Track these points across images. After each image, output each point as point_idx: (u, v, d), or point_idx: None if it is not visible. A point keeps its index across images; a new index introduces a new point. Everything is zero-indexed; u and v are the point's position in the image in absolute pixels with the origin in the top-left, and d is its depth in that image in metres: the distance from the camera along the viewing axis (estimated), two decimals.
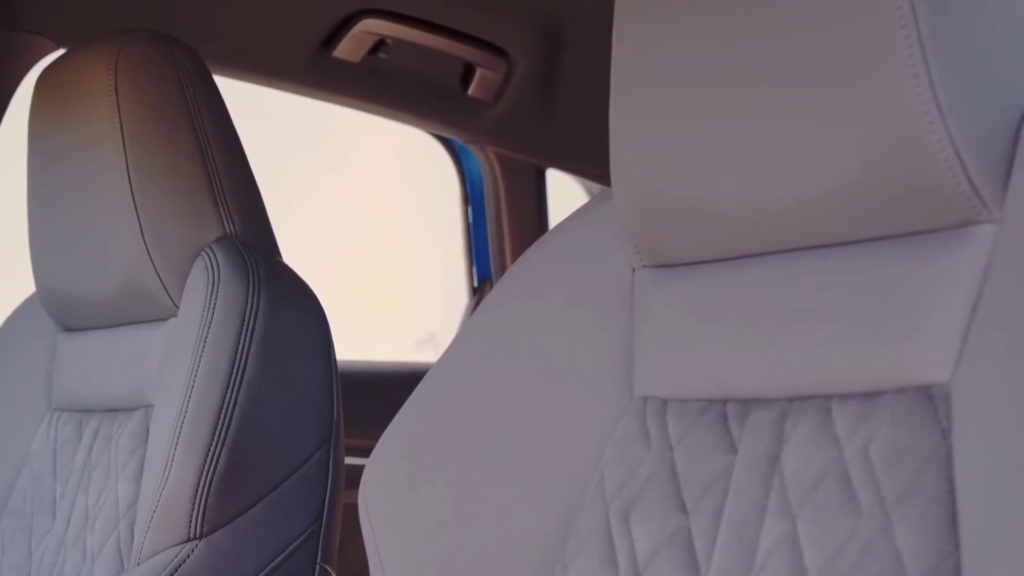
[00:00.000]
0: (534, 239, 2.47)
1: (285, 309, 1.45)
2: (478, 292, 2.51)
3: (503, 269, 2.47)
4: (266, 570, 1.39)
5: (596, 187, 2.57)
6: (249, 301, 1.42)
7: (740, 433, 0.91)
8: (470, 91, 2.21)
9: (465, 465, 1.04)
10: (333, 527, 1.45)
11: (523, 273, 1.09)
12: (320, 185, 3.01)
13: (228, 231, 1.50)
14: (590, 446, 0.99)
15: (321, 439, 1.44)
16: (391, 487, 1.07)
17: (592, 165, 2.50)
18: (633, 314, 1.01)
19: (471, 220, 2.50)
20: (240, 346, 1.39)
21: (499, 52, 2.16)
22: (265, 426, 1.39)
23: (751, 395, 0.91)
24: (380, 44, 2.08)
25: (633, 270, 1.02)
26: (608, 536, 0.95)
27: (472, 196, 2.49)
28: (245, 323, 1.40)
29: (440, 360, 1.10)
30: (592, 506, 0.97)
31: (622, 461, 0.97)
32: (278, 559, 1.39)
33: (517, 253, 2.46)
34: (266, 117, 2.07)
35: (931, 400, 0.81)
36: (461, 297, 2.54)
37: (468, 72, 2.19)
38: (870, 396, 0.84)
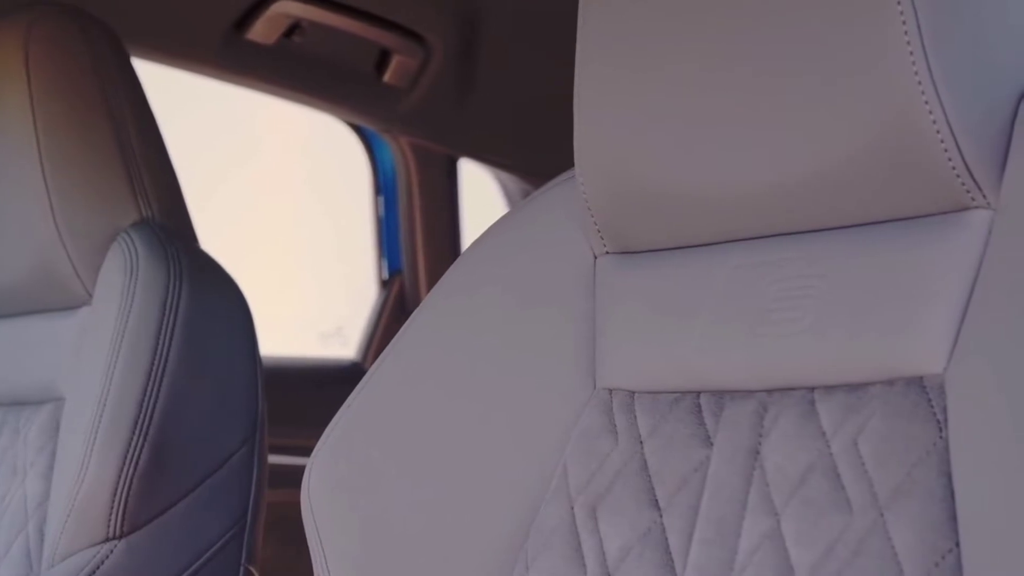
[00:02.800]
0: (447, 231, 2.45)
1: (208, 298, 1.39)
2: (388, 285, 2.45)
3: (414, 262, 2.41)
4: (189, 571, 1.32)
5: (508, 178, 2.53)
6: (170, 289, 1.35)
7: (716, 426, 0.87)
8: (385, 78, 2.15)
9: (416, 461, 0.99)
10: (258, 527, 1.39)
11: (476, 259, 1.04)
12: (225, 173, 2.93)
13: (145, 215, 1.44)
14: (550, 440, 0.95)
15: (245, 435, 1.38)
16: (337, 484, 1.01)
17: (508, 156, 2.46)
18: (595, 303, 0.96)
19: (382, 211, 2.44)
20: (161, 336, 1.33)
21: (416, 38, 2.11)
22: (188, 421, 1.33)
23: (727, 387, 0.87)
24: (295, 27, 2.02)
25: (595, 257, 0.97)
26: (574, 534, 0.91)
27: (384, 186, 2.43)
28: (166, 312, 1.34)
29: (388, 351, 1.05)
30: (555, 502, 0.92)
31: (587, 455, 0.92)
32: (201, 559, 1.33)
33: (429, 245, 2.41)
34: (175, 108, 1.99)
35: (924, 392, 0.78)
36: (370, 290, 2.48)
37: (384, 58, 2.13)
38: (856, 388, 0.81)
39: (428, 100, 2.21)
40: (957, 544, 0.73)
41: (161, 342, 1.32)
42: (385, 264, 2.46)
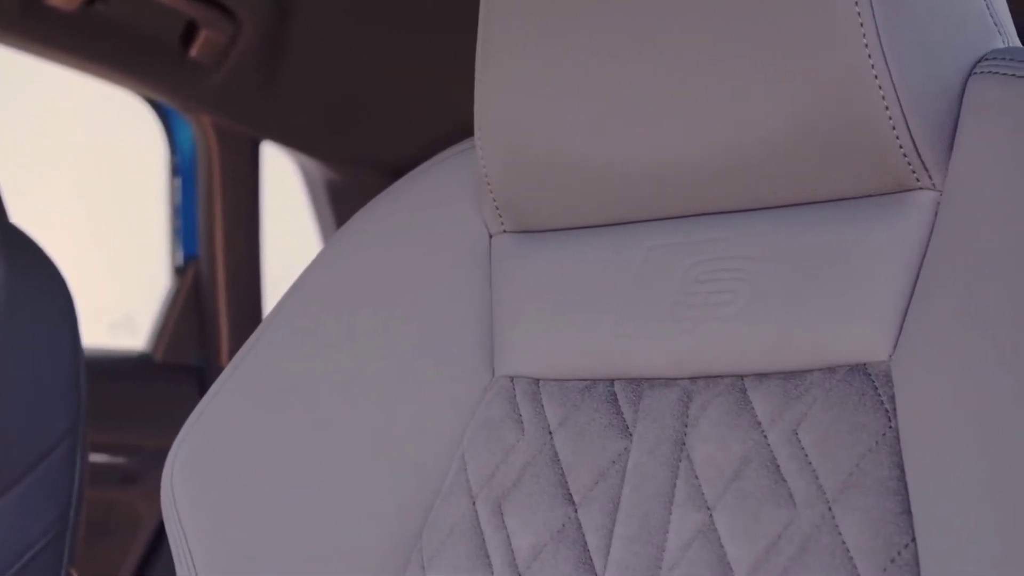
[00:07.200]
0: (247, 217, 2.34)
1: (25, 278, 1.27)
2: (182, 272, 2.33)
3: (212, 248, 2.30)
4: (7, 575, 1.21)
5: (312, 165, 2.44)
6: None
7: (635, 416, 0.82)
8: (191, 53, 2.04)
9: (291, 455, 0.91)
10: (79, 527, 1.28)
11: (357, 238, 0.96)
12: (4, 147, 2.76)
13: None
14: (443, 433, 0.88)
15: (66, 429, 1.27)
16: (203, 481, 0.93)
17: (315, 141, 2.37)
18: (491, 285, 0.90)
19: (178, 194, 2.32)
20: None
21: (226, 13, 2.00)
22: (5, 412, 1.22)
23: (644, 374, 0.82)
24: None
25: (490, 236, 0.91)
26: (477, 531, 0.84)
27: (182, 168, 2.31)
28: None
29: (253, 339, 0.96)
30: (453, 497, 0.86)
31: (489, 447, 0.86)
32: (21, 562, 1.22)
33: (228, 231, 2.30)
34: None
35: (869, 380, 0.74)
36: (163, 277, 2.36)
37: (191, 31, 2.02)
38: (792, 375, 0.77)
39: (235, 79, 2.11)
40: (913, 539, 0.70)
41: None
42: (180, 250, 2.34)
